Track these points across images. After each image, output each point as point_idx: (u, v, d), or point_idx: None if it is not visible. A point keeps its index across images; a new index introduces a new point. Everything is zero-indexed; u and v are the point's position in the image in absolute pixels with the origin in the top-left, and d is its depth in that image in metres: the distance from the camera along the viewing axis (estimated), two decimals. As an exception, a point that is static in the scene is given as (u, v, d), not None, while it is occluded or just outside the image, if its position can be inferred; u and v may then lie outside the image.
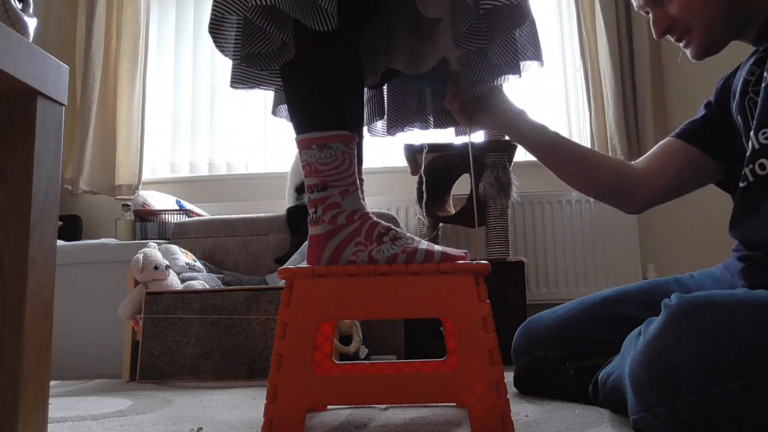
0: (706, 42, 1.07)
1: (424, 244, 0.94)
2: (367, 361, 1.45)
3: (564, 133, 2.78)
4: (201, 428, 1.00)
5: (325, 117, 0.95)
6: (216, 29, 0.96)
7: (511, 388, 1.24)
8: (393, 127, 1.22)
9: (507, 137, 1.23)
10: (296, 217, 2.24)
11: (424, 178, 2.20)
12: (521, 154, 2.69)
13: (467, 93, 1.10)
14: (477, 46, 0.99)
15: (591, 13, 2.69)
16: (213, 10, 0.91)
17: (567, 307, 1.28)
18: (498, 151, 2.17)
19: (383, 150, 2.81)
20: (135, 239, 2.39)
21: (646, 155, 1.24)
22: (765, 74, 0.99)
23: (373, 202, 2.14)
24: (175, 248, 2.03)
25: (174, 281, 1.83)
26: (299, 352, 0.89)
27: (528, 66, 1.07)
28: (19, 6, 0.71)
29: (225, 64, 2.86)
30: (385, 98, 1.23)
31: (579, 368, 1.12)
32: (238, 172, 2.88)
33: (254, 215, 2.35)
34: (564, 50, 2.84)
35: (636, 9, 1.16)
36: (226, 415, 1.12)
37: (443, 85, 1.15)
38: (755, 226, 1.00)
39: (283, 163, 2.75)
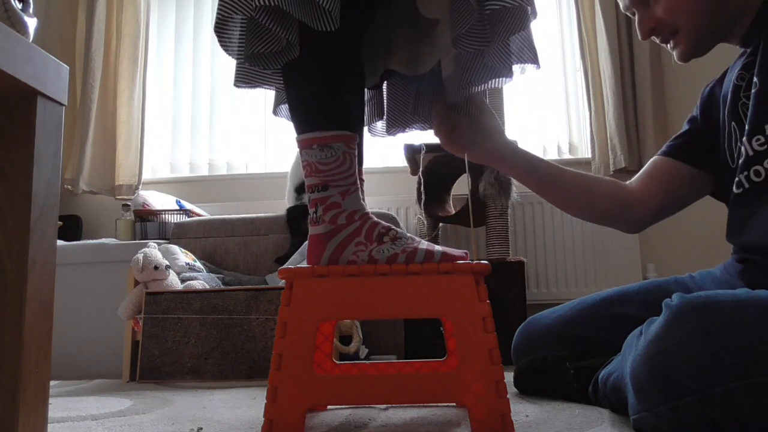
0: (693, 43, 1.07)
1: (424, 244, 0.94)
2: (367, 361, 1.45)
3: (564, 133, 2.81)
4: (201, 428, 1.00)
5: (326, 117, 0.95)
6: (221, 29, 0.97)
7: (511, 388, 1.23)
8: (392, 128, 1.22)
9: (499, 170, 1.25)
10: (296, 217, 2.24)
11: (422, 179, 2.20)
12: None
13: (455, 97, 1.10)
14: (475, 47, 0.99)
15: (591, 13, 2.69)
16: (219, 9, 0.92)
17: (567, 307, 1.28)
18: (498, 151, 2.16)
19: (383, 150, 2.81)
20: (135, 239, 2.39)
21: (638, 175, 1.25)
22: (755, 79, 0.99)
23: (373, 202, 2.14)
24: (175, 248, 2.03)
25: (174, 281, 1.83)
26: (299, 352, 0.89)
27: (524, 69, 1.07)
28: (19, 6, 0.71)
29: (225, 64, 2.87)
30: (385, 99, 1.23)
31: (579, 368, 1.12)
32: (238, 172, 2.88)
33: (254, 215, 2.35)
34: (564, 50, 2.84)
35: (622, 10, 1.16)
36: (226, 415, 1.12)
37: (441, 87, 1.15)
38: (753, 232, 1.00)
39: (283, 163, 2.75)
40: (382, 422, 0.99)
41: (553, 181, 1.22)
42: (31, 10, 0.74)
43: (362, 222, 0.94)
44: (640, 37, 1.12)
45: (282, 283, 1.83)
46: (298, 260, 2.04)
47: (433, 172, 2.25)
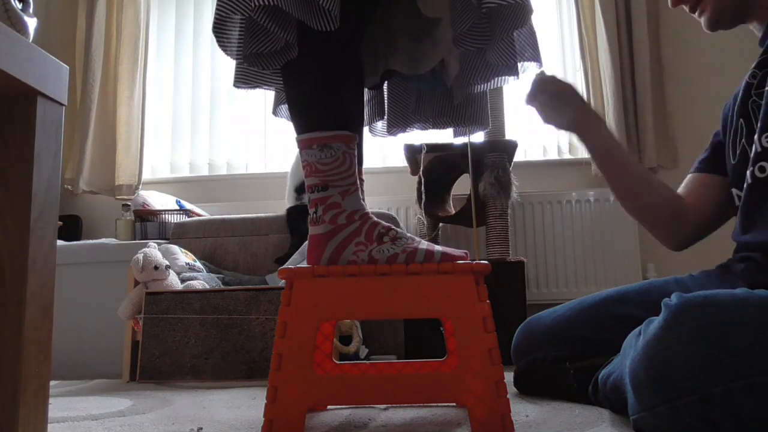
0: (718, 10, 1.08)
1: (424, 244, 0.94)
2: (367, 361, 1.45)
3: (564, 133, 2.80)
4: (201, 428, 1.00)
5: (326, 117, 0.95)
6: (219, 29, 0.96)
7: (511, 388, 1.24)
8: (393, 128, 1.22)
9: (581, 142, 1.24)
10: (296, 217, 2.24)
11: (422, 179, 2.20)
12: (521, 154, 2.69)
13: (460, 96, 1.11)
14: (476, 45, 0.99)
15: (591, 13, 2.69)
16: (217, 10, 0.92)
17: (567, 307, 1.28)
18: (498, 151, 2.17)
19: (383, 150, 2.81)
20: (135, 239, 2.39)
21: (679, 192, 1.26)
22: None
23: (373, 202, 2.14)
24: (175, 248, 2.03)
25: (174, 281, 1.83)
26: (299, 352, 0.89)
27: (526, 67, 1.07)
28: (19, 6, 0.71)
29: (225, 64, 2.87)
30: (386, 99, 1.23)
31: (579, 368, 1.12)
32: (238, 172, 2.87)
33: (254, 215, 2.35)
34: (564, 50, 2.84)
35: None
36: (226, 415, 1.12)
37: (442, 87, 1.15)
38: (756, 230, 1.00)
39: (283, 163, 2.75)
40: (382, 422, 0.99)
41: (625, 166, 1.23)
42: (31, 10, 0.74)
43: (362, 222, 0.94)
44: (670, 4, 1.14)
45: (282, 283, 1.83)
46: (298, 260, 2.04)
47: (433, 172, 2.25)
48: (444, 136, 2.35)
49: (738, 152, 1.07)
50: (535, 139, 2.75)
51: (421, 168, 2.20)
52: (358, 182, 0.98)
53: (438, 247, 0.94)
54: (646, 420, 0.77)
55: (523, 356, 1.27)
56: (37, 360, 0.61)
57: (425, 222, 2.27)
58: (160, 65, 2.96)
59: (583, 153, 2.76)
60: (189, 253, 2.08)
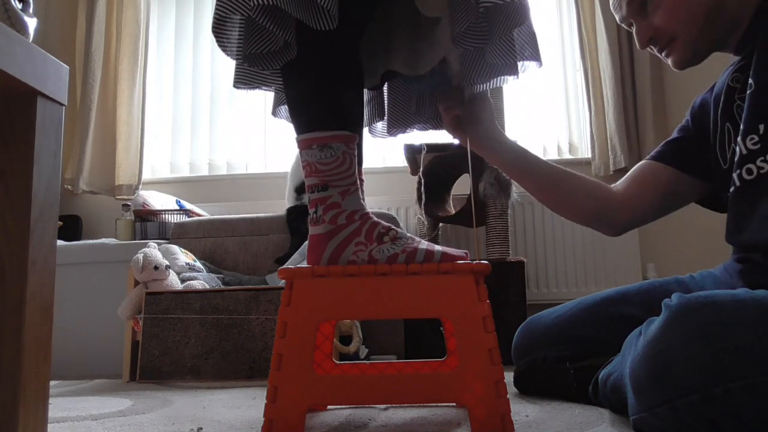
0: (690, 51, 1.08)
1: (424, 244, 0.94)
2: (367, 361, 1.45)
3: (564, 133, 2.81)
4: (201, 428, 1.00)
5: (326, 117, 0.95)
6: (219, 29, 0.96)
7: (511, 388, 1.23)
8: (393, 128, 1.22)
9: (488, 160, 1.27)
10: (296, 217, 2.24)
11: (422, 179, 2.20)
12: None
13: (461, 94, 1.11)
14: (475, 45, 0.99)
15: (591, 13, 2.69)
16: (216, 10, 0.91)
17: (567, 307, 1.28)
18: (498, 151, 2.16)
19: (383, 150, 2.81)
20: (135, 239, 2.39)
21: (623, 179, 1.26)
22: (750, 81, 0.99)
23: (373, 202, 2.14)
24: (175, 248, 2.03)
25: (174, 281, 1.83)
26: (299, 352, 0.89)
27: (526, 66, 1.07)
28: (19, 6, 0.71)
29: (225, 64, 2.87)
30: (386, 99, 1.23)
31: (579, 368, 1.12)
32: (238, 172, 2.88)
33: (254, 215, 2.35)
34: (564, 50, 2.84)
35: (619, 22, 1.17)
36: (226, 415, 1.12)
37: (442, 87, 1.15)
38: (749, 231, 1.01)
39: (283, 163, 2.75)
40: (382, 422, 0.99)
41: (535, 173, 1.24)
42: (31, 10, 0.74)
43: (362, 222, 0.94)
44: (639, 47, 1.14)
45: (282, 283, 1.83)
46: (298, 260, 2.04)
47: (433, 172, 2.25)
48: (444, 136, 2.35)
49: (729, 157, 1.07)
50: (535, 139, 2.76)
51: (421, 168, 2.20)
52: (358, 182, 0.98)
53: (438, 247, 0.94)
54: (646, 420, 0.77)
55: (523, 356, 1.27)
56: (37, 360, 0.61)
57: (425, 222, 2.27)
58: (160, 65, 2.96)
59: (583, 153, 2.76)
60: (189, 253, 2.08)
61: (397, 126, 1.22)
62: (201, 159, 2.91)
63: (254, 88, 1.09)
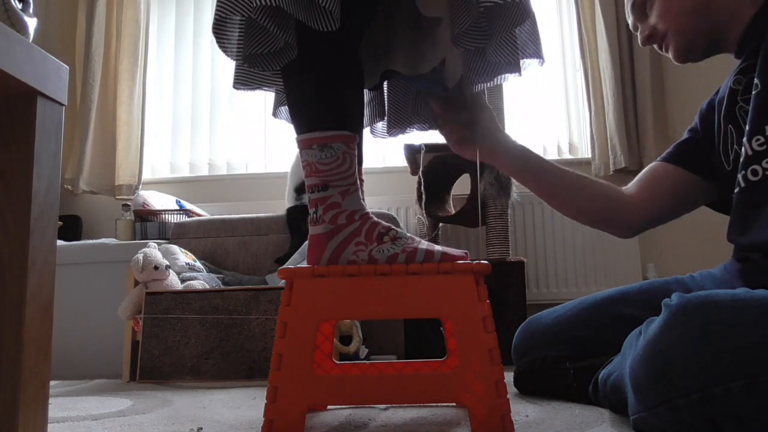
0: (682, 43, 1.13)
1: (424, 244, 0.94)
2: (367, 361, 1.45)
3: (564, 133, 2.81)
4: (201, 428, 1.00)
5: (326, 117, 0.95)
6: (219, 30, 0.96)
7: (511, 388, 1.23)
8: (393, 128, 1.22)
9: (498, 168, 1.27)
10: (296, 217, 2.24)
11: (422, 179, 2.20)
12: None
13: (462, 93, 1.11)
14: (476, 45, 0.99)
15: (591, 13, 2.69)
16: (217, 10, 0.91)
17: (567, 307, 1.28)
18: (498, 151, 2.16)
19: (383, 150, 2.81)
20: (135, 239, 2.39)
21: (635, 180, 1.26)
22: (756, 81, 0.99)
23: (373, 202, 2.13)
24: (175, 248, 2.03)
25: (174, 281, 1.83)
26: (299, 352, 0.89)
27: (528, 64, 1.07)
28: (19, 6, 0.71)
29: (225, 64, 2.87)
30: (386, 99, 1.23)
31: (579, 368, 1.12)
32: (238, 172, 2.88)
33: (254, 215, 2.35)
34: (564, 50, 2.84)
35: (632, 30, 1.23)
36: (226, 415, 1.12)
37: (442, 87, 1.15)
38: (751, 232, 1.01)
39: (283, 163, 2.75)
40: (382, 422, 0.99)
41: (545, 178, 1.24)
42: (31, 10, 0.74)
43: (362, 222, 0.94)
44: (640, 44, 1.20)
45: (282, 283, 1.83)
46: (298, 260, 2.04)
47: (433, 172, 2.25)
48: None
49: (732, 159, 1.07)
50: (535, 139, 2.75)
51: (421, 168, 2.20)
52: (358, 182, 0.98)
53: (438, 247, 0.94)
54: (646, 420, 0.77)
55: (523, 356, 1.27)
56: (37, 360, 0.61)
57: (425, 222, 2.27)
58: (160, 65, 2.96)
59: (583, 153, 2.76)
60: (189, 253, 2.08)
61: (396, 126, 1.22)
62: (201, 159, 2.91)
63: (254, 88, 1.09)
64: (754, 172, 0.99)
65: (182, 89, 2.95)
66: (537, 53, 1.04)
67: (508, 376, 0.99)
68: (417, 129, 1.24)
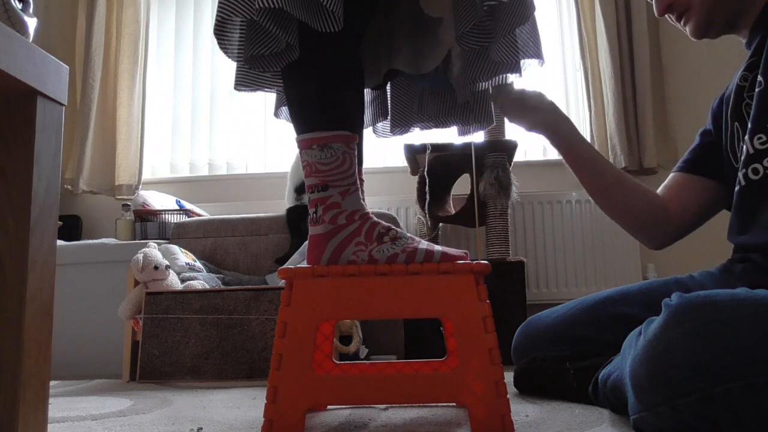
0: (705, 18, 1.09)
1: (424, 244, 0.94)
2: (367, 361, 1.45)
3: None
4: (201, 428, 1.00)
5: (326, 117, 0.95)
6: (221, 31, 0.96)
7: (511, 388, 1.23)
8: (395, 128, 1.22)
9: (552, 146, 1.25)
10: (296, 217, 2.24)
11: (426, 179, 2.20)
12: (521, 154, 2.69)
13: (463, 95, 1.11)
14: (479, 44, 0.99)
15: (591, 13, 2.69)
16: (218, 11, 0.91)
17: (567, 307, 1.28)
18: (498, 151, 2.17)
19: (383, 150, 2.81)
20: (135, 239, 2.39)
21: (661, 190, 1.25)
22: (759, 78, 0.99)
23: (373, 202, 2.14)
24: (175, 248, 2.03)
25: (174, 281, 1.83)
26: (299, 352, 0.89)
27: (528, 64, 1.07)
28: (19, 6, 0.71)
29: (225, 65, 2.87)
30: (389, 99, 1.23)
31: (579, 368, 1.12)
32: (238, 172, 2.88)
33: (254, 215, 2.35)
34: (564, 50, 2.84)
35: None
36: (226, 415, 1.12)
37: (445, 85, 1.15)
38: (751, 231, 1.00)
39: (283, 163, 2.75)
40: (382, 422, 0.99)
41: (596, 166, 1.22)
42: (31, 10, 0.74)
43: (362, 222, 0.94)
44: (656, 14, 1.15)
45: (282, 283, 1.83)
46: (298, 260, 2.04)
47: (433, 172, 2.24)
48: (444, 135, 2.35)
49: (739, 156, 1.07)
50: (535, 139, 2.75)
51: (426, 168, 2.19)
52: (358, 182, 0.98)
53: (438, 247, 0.94)
54: (646, 420, 0.77)
55: (523, 356, 1.27)
56: (37, 360, 0.61)
57: (425, 222, 2.27)
58: (160, 65, 2.96)
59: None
60: (189, 253, 2.08)
61: (399, 125, 1.22)
62: (201, 159, 2.91)
63: (255, 90, 1.09)
64: (755, 171, 0.99)
65: (182, 89, 2.95)
66: (537, 54, 1.04)
67: (508, 376, 0.99)
68: (419, 128, 1.24)
